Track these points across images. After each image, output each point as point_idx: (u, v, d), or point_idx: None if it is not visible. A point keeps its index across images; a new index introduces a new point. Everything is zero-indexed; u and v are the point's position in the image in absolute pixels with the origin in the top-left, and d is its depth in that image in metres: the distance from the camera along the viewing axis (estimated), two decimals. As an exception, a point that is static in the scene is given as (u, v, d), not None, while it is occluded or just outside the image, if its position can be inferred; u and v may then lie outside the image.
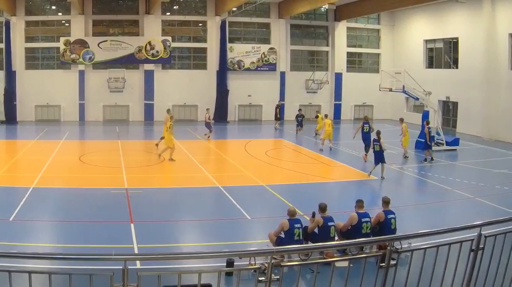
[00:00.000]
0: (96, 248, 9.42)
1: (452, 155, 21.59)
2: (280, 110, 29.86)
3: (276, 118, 29.53)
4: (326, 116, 22.94)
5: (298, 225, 8.73)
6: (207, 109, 25.24)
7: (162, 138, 20.16)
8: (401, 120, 20.92)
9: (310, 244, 8.84)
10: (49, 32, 33.04)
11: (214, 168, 18.24)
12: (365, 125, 19.95)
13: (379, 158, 15.65)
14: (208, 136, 24.31)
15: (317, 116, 25.99)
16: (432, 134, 20.26)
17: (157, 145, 20.90)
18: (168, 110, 22.35)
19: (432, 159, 19.03)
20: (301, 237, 8.73)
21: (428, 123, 19.69)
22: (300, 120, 27.16)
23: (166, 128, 19.01)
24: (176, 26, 33.10)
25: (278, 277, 4.08)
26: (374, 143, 15.78)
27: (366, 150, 18.48)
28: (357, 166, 18.20)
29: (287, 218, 8.90)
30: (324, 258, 7.70)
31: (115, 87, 32.53)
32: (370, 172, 16.07)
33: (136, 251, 9.44)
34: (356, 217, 9.10)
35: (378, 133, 15.98)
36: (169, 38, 32.32)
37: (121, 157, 20.02)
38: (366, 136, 19.47)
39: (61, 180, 16.20)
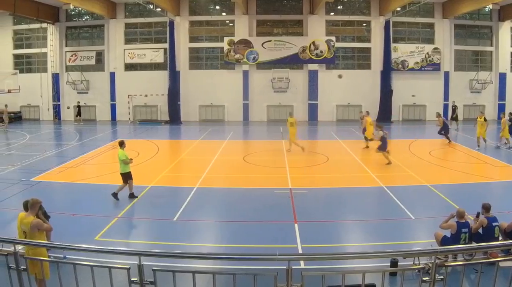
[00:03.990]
0: (260, 248, 9.30)
1: None
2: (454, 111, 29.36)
3: (453, 119, 29.05)
4: None
5: (466, 230, 8.60)
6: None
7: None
8: (503, 114, 21.62)
9: (474, 244, 8.60)
10: (213, 32, 33.10)
11: (378, 168, 17.70)
12: None
13: None
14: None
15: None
16: None
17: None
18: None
19: None
20: (467, 241, 8.60)
21: None
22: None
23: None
24: (340, 26, 32.90)
25: (442, 277, 4.11)
26: None
27: None
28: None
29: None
30: (488, 258, 7.52)
31: (279, 87, 32.40)
32: None
33: (300, 251, 9.33)
34: None
35: None
36: (333, 38, 32.15)
37: (285, 157, 19.70)
38: None
39: (225, 180, 16.06)
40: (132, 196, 13.11)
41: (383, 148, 17.88)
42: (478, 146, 20.93)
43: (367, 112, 22.97)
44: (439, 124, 23.07)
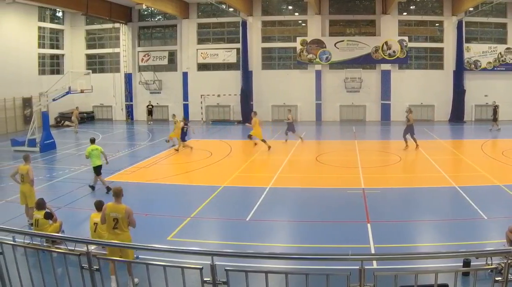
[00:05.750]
0: (332, 248, 9.36)
1: None
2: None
3: (494, 119, 28.27)
4: None
5: None
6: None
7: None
8: None
9: None
10: (286, 32, 33.20)
11: (451, 168, 17.80)
12: None
13: None
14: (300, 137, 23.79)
15: None
16: None
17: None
18: None
19: None
20: None
21: None
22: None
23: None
24: (413, 26, 32.89)
25: None
26: None
27: None
28: None
29: None
30: None
31: (352, 87, 32.46)
32: None
33: (372, 251, 9.35)
34: None
35: None
36: (406, 38, 32.15)
37: (358, 156, 19.76)
38: None
39: (297, 180, 16.16)
40: (93, 188, 14.22)
41: (182, 138, 20.96)
42: None
43: (255, 113, 23.29)
44: (408, 122, 20.88)
